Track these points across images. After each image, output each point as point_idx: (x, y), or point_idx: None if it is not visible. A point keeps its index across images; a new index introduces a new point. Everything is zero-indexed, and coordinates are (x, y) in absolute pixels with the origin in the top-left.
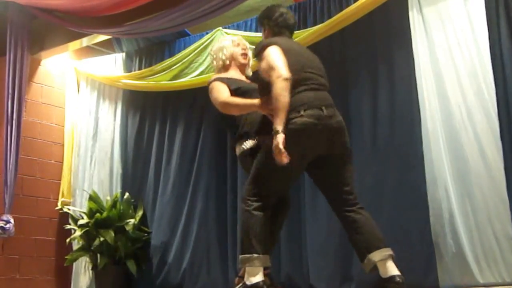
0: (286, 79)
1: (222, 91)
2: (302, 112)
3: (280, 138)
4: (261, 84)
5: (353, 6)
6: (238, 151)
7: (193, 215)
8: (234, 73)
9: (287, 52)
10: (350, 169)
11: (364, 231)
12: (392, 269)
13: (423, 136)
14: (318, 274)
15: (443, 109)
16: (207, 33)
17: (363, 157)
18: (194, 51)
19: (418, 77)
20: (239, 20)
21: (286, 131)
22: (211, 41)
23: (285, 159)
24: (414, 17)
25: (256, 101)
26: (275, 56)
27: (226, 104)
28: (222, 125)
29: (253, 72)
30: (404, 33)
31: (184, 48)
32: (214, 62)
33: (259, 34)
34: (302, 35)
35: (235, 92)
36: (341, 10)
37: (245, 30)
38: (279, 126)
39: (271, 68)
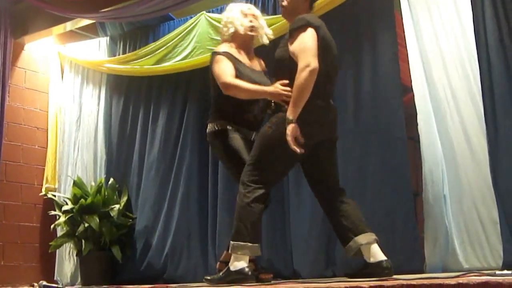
0: (314, 70)
1: (227, 69)
2: (318, 102)
3: (291, 128)
4: (283, 63)
5: None
6: (208, 129)
7: (175, 200)
8: (241, 54)
9: (322, 39)
10: (335, 158)
11: (349, 214)
12: (379, 254)
13: (420, 120)
14: (302, 259)
15: (429, 93)
16: (191, 17)
17: (347, 141)
18: (178, 35)
19: (409, 62)
20: (224, 4)
21: (300, 120)
22: (195, 25)
23: (298, 149)
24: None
25: (269, 89)
26: (310, 41)
27: (232, 87)
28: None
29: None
30: (389, 16)
31: (168, 32)
32: (221, 35)
33: None
34: None
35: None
36: None
37: None
38: (293, 115)
39: (303, 51)
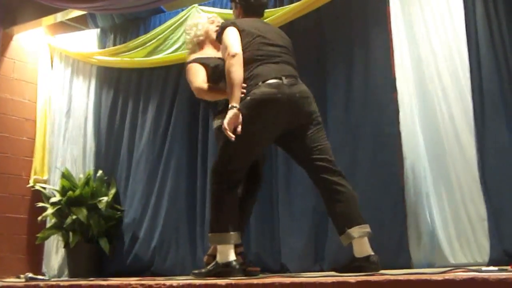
0: (235, 55)
1: (198, 75)
2: (260, 83)
3: (230, 114)
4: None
5: None
6: (214, 125)
7: (164, 192)
8: (210, 51)
9: (245, 31)
10: (323, 138)
11: (345, 204)
12: (367, 249)
13: (401, 117)
14: (290, 254)
15: (419, 90)
16: (182, 10)
17: (338, 137)
18: (169, 28)
19: (394, 58)
20: None
21: (247, 103)
22: (186, 18)
23: (232, 136)
24: None
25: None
26: (229, 36)
27: (199, 90)
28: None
29: None
30: (381, 13)
31: (159, 24)
32: (188, 37)
33: None
34: (278, 13)
35: (213, 70)
36: None
37: (221, 8)
38: (232, 102)
39: (225, 48)
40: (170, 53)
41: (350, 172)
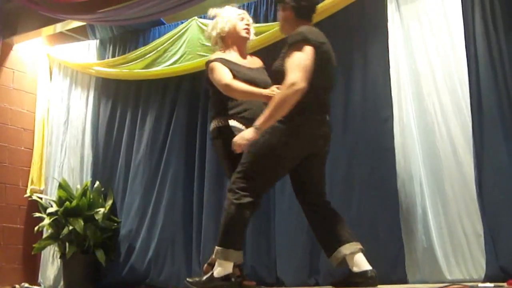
0: (299, 90)
1: (225, 73)
2: (314, 117)
3: (250, 134)
4: (280, 76)
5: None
6: (212, 126)
7: (160, 205)
8: (234, 55)
9: (319, 49)
10: (324, 171)
11: (333, 225)
12: (364, 263)
13: (397, 132)
14: (285, 267)
15: (417, 106)
16: (182, 23)
17: (334, 151)
18: (168, 40)
19: (393, 73)
20: None
21: (295, 130)
22: (186, 30)
23: (239, 150)
24: (391, 13)
25: (265, 91)
26: (304, 59)
27: (230, 87)
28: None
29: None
30: (381, 28)
31: (159, 36)
32: (214, 32)
33: None
34: (276, 27)
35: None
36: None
37: None
38: (262, 124)
39: (294, 68)
40: (169, 65)
41: (346, 186)
